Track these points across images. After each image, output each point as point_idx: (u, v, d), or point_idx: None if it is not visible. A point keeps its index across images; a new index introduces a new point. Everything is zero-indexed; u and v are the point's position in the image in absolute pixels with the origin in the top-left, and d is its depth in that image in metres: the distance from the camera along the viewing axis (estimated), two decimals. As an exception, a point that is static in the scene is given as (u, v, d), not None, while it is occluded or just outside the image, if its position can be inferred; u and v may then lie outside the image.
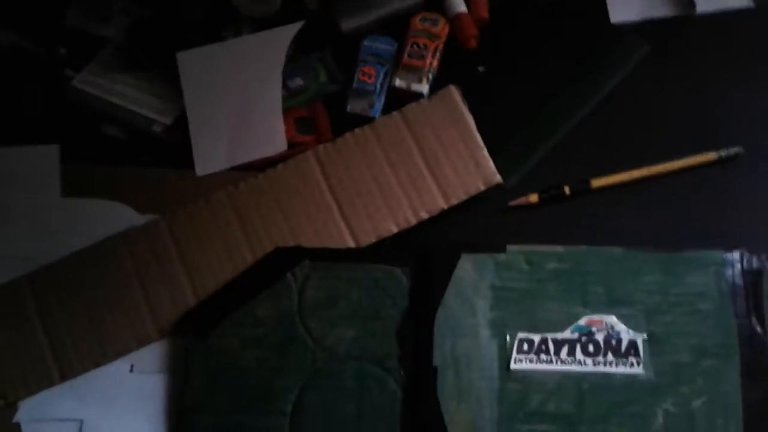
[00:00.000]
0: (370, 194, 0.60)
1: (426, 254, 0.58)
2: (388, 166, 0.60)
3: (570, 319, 0.55)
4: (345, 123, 0.63)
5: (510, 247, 0.57)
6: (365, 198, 0.60)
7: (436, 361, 0.54)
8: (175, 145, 0.64)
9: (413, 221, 0.59)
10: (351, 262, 0.58)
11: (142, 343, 0.57)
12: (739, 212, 0.58)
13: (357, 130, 0.62)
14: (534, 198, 0.59)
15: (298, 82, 0.66)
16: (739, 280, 0.55)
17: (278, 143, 0.62)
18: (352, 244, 0.58)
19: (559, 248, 0.57)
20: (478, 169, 0.59)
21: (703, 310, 0.54)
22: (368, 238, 0.58)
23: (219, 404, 0.54)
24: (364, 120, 0.63)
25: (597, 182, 0.59)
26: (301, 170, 0.61)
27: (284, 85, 0.65)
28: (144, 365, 0.56)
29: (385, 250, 0.58)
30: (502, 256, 0.57)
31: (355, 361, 0.55)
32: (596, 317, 0.55)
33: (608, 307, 0.55)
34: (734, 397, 0.52)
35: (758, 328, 0.54)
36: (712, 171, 0.59)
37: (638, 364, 0.53)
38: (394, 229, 0.58)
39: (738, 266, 0.55)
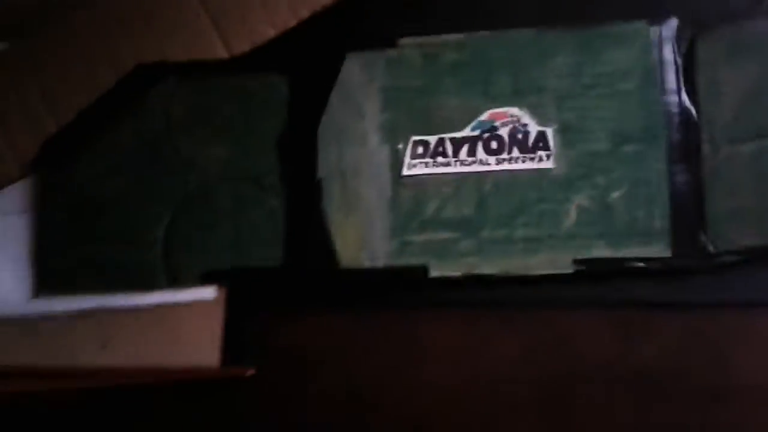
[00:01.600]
0: (242, -4, 0.54)
1: (307, 57, 0.53)
2: (261, -38, 0.55)
3: (470, 116, 0.51)
4: None
5: (403, 41, 0.52)
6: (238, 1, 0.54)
7: (321, 173, 0.51)
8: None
9: (293, 22, 0.54)
10: (222, 74, 0.54)
11: (3, 183, 0.54)
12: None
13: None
14: (432, -17, 0.54)
15: None
16: (669, 54, 0.50)
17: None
18: (224, 54, 0.54)
19: (459, 36, 0.52)
20: (363, -46, 0.53)
21: (624, 91, 0.50)
22: (242, 46, 0.54)
23: (82, 238, 0.52)
24: None
25: (503, -45, 0.53)
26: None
27: None
28: (6, 206, 0.53)
29: (261, 56, 0.54)
30: (393, 52, 0.52)
31: (230, 181, 0.52)
32: (500, 110, 0.51)
33: (514, 97, 0.51)
34: (659, 185, 0.48)
35: (689, 105, 0.49)
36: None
37: (548, 157, 0.49)
38: (272, 33, 0.54)
39: (668, 37, 0.50)
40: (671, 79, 0.49)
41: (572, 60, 0.50)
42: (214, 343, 0.49)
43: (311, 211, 0.50)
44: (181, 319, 0.50)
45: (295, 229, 0.50)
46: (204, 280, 0.50)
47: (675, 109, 0.48)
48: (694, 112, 0.48)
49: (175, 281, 0.50)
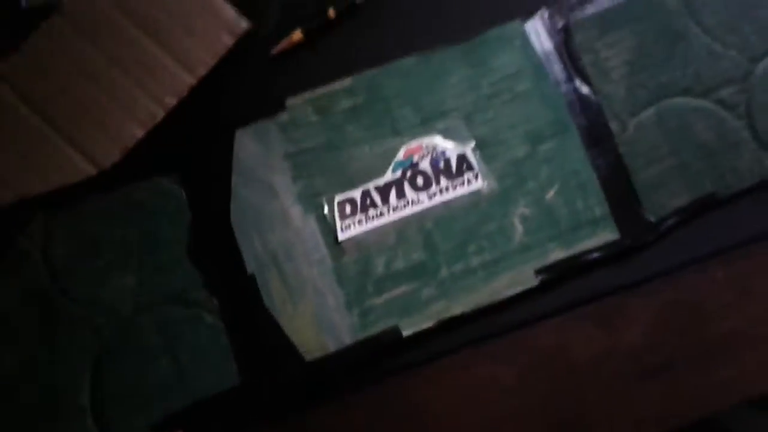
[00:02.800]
0: (93, 100, 0.49)
1: (191, 147, 0.49)
2: (104, 58, 0.49)
3: (387, 158, 0.49)
4: (27, 24, 0.50)
5: (290, 101, 0.49)
6: (88, 107, 0.48)
7: (250, 268, 0.46)
8: None
9: (160, 114, 0.49)
10: (98, 193, 0.47)
11: None
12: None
13: (43, 26, 0.50)
14: (298, 36, 0.51)
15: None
16: (548, 45, 0.51)
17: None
18: (92, 171, 0.47)
19: (345, 81, 0.50)
20: (218, 22, 0.50)
21: (524, 92, 0.51)
22: (110, 156, 0.48)
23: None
24: (51, 11, 0.51)
25: (362, -8, 0.52)
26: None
27: None
28: None
29: (138, 161, 0.48)
30: (283, 116, 0.49)
31: (149, 310, 0.45)
32: (413, 144, 0.49)
33: (423, 127, 0.50)
34: (585, 172, 0.49)
35: (585, 89, 0.50)
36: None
37: (476, 177, 0.49)
38: (140, 133, 0.48)
39: (543, 30, 0.51)
40: (559, 69, 0.50)
41: (465, 75, 0.50)
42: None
43: (253, 312, 0.45)
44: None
45: (242, 338, 0.45)
46: None
47: (573, 97, 0.50)
48: (592, 95, 0.50)
49: (120, 445, 0.43)
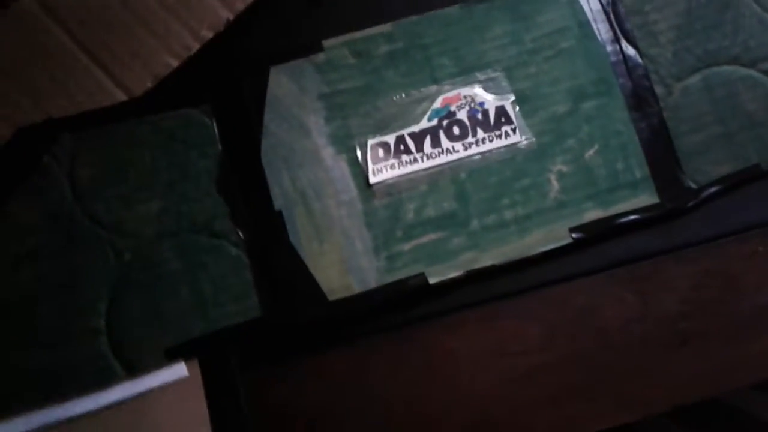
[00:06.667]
0: (127, 27, 0.53)
1: (225, 80, 0.53)
2: (141, -14, 0.54)
3: (423, 105, 0.53)
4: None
5: (327, 42, 0.54)
6: (122, 34, 0.53)
7: (278, 203, 0.50)
8: None
9: (195, 46, 0.53)
10: (128, 119, 0.52)
11: None
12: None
13: (82, -50, 0.54)
14: (339, -22, 0.56)
15: None
16: (595, 4, 0.56)
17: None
18: (122, 97, 0.52)
19: (385, 27, 0.55)
20: (258, -42, 0.54)
21: (568, 49, 0.55)
22: (142, 84, 0.52)
23: (4, 348, 0.47)
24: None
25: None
26: (21, 23, 0.53)
27: None
28: None
29: (170, 90, 0.52)
30: (320, 56, 0.54)
31: (173, 237, 0.49)
32: (452, 93, 0.53)
33: (462, 77, 0.54)
34: (628, 134, 0.53)
35: (631, 51, 0.55)
36: None
37: (513, 131, 0.53)
38: (174, 63, 0.53)
39: (591, -11, 0.55)
40: (606, 29, 0.55)
41: (508, 29, 0.54)
42: (203, 427, 0.47)
43: (278, 249, 0.49)
44: (154, 409, 0.47)
45: (266, 273, 0.49)
46: (170, 356, 0.47)
47: (619, 58, 0.54)
48: (638, 57, 0.54)
49: (134, 368, 0.47)
